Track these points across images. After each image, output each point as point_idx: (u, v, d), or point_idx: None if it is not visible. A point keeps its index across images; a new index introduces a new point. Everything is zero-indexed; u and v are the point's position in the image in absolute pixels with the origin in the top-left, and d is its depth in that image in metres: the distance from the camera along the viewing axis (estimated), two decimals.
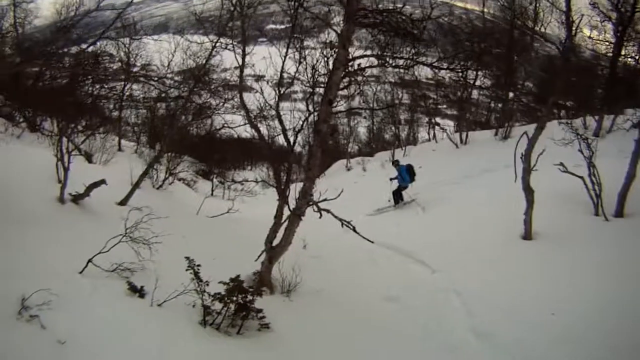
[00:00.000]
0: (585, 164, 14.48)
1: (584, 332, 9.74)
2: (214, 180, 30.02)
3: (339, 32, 10.88)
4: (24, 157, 14.46)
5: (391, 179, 21.33)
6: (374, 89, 34.23)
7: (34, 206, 11.20)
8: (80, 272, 9.22)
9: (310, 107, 13.02)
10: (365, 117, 42.90)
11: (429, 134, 38.62)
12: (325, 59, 11.97)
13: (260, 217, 15.17)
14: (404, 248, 15.66)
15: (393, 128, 38.44)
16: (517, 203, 14.16)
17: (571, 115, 27.03)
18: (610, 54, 25.41)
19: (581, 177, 14.33)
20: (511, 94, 31.30)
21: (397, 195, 21.00)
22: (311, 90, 13.10)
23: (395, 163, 22.20)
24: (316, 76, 12.76)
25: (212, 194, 25.42)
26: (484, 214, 16.31)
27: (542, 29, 24.11)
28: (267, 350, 9.22)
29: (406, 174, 20.73)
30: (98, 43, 23.94)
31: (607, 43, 25.81)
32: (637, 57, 24.38)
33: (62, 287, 8.23)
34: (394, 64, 11.17)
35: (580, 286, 11.17)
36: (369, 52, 11.28)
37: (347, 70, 10.82)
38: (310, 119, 13.56)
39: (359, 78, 12.11)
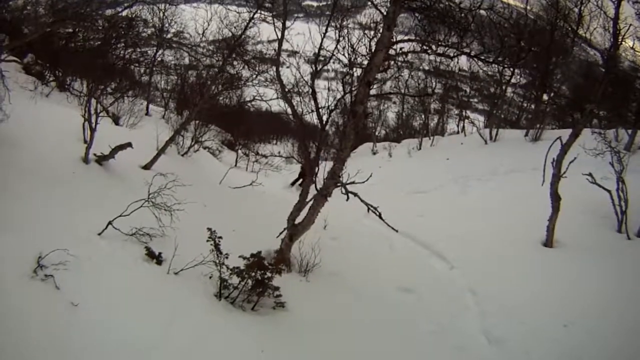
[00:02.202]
0: (615, 178, 14.18)
1: (593, 349, 9.65)
2: (239, 151, 29.94)
3: (384, 12, 10.64)
4: (52, 116, 14.43)
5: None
6: (409, 75, 33.86)
7: (58, 164, 11.16)
8: (99, 234, 9.18)
9: (346, 87, 12.83)
10: (395, 102, 42.59)
11: (458, 126, 38.24)
12: (368, 39, 11.71)
13: (282, 193, 15.04)
14: (425, 240, 15.48)
15: (422, 116, 38.04)
16: (542, 208, 13.98)
17: (604, 126, 26.53)
18: None
19: (609, 191, 14.11)
20: (545, 96, 30.80)
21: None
22: (348, 70, 12.90)
23: None
24: (354, 56, 12.52)
25: (236, 165, 25.33)
26: (507, 215, 16.17)
27: (586, 34, 23.68)
28: (279, 329, 9.16)
29: None
30: (133, 7, 23.92)
31: None
32: None
33: (79, 247, 8.22)
34: (437, 52, 10.91)
35: (596, 301, 11.04)
36: (412, 37, 11.03)
37: (389, 53, 10.59)
38: (344, 98, 13.40)
39: (398, 62, 11.86)
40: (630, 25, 15.31)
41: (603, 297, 11.13)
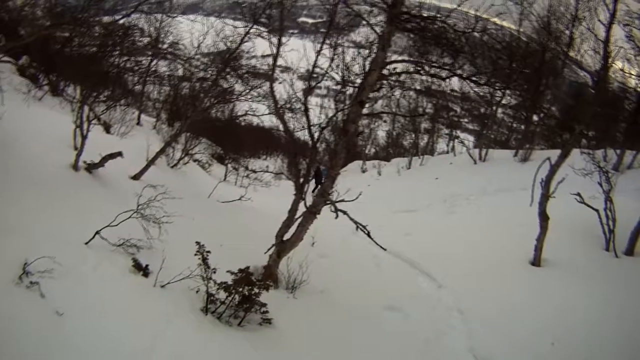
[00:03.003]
0: (603, 198, 14.28)
1: None
2: (229, 165, 29.92)
3: (379, 32, 10.71)
4: (44, 120, 14.40)
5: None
6: (400, 95, 34.07)
7: (47, 170, 11.12)
8: (86, 243, 9.12)
9: (338, 105, 12.88)
10: (385, 121, 42.74)
11: (447, 146, 38.47)
12: (363, 58, 11.78)
13: (272, 209, 15.03)
14: (413, 258, 15.51)
15: (413, 135, 38.21)
16: (530, 227, 14.09)
17: (592, 146, 26.74)
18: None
19: (597, 210, 14.21)
20: (535, 117, 31.01)
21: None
22: (341, 88, 12.95)
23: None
24: (347, 75, 12.58)
25: (225, 179, 25.31)
26: (495, 234, 16.23)
27: (577, 56, 23.94)
28: (265, 346, 9.07)
29: None
30: (130, 16, 23.93)
31: (638, 78, 25.48)
32: None
33: (66, 256, 8.14)
34: (430, 73, 10.98)
35: (583, 319, 11.12)
36: (406, 57, 11.10)
37: (382, 72, 10.64)
38: (335, 116, 13.44)
39: (391, 82, 11.90)
40: (621, 47, 15.54)
41: (591, 315, 11.21)
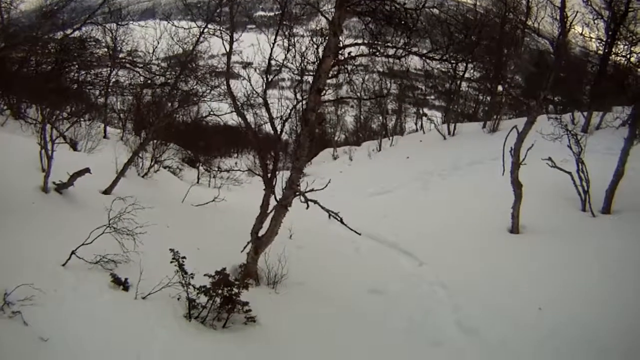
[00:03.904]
0: (574, 160, 14.49)
1: (571, 329, 9.75)
2: (200, 168, 29.79)
3: (329, 19, 10.70)
4: (7, 145, 14.18)
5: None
6: (363, 78, 34.08)
7: (16, 195, 10.96)
8: (63, 265, 9.02)
9: (299, 96, 12.85)
10: (352, 106, 42.76)
11: (416, 124, 38.60)
12: (315, 46, 11.76)
13: (246, 206, 15.00)
14: (391, 239, 15.58)
15: (380, 118, 38.28)
16: (505, 196, 14.23)
17: (559, 111, 27.02)
18: (601, 52, 25.38)
19: (569, 173, 14.41)
20: (500, 87, 31.24)
21: None
22: (299, 78, 12.93)
23: None
24: (305, 64, 12.56)
25: (197, 182, 25.20)
26: (471, 207, 16.35)
27: (535, 24, 24.12)
28: (251, 345, 9.07)
29: None
30: (84, 28, 23.74)
31: (598, 41, 25.79)
32: (627, 56, 24.28)
33: (45, 280, 8.06)
34: (385, 54, 10.99)
35: (567, 282, 11.25)
36: (359, 41, 11.08)
37: (337, 58, 10.64)
38: (298, 107, 13.42)
39: (349, 67, 11.91)
40: (577, 12, 15.70)
41: (574, 276, 11.36)
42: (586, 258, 11.94)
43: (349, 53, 10.94)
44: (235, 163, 34.93)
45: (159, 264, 9.38)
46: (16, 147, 14.10)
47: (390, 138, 33.26)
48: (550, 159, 14.51)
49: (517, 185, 13.85)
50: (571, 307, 10.36)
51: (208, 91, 17.37)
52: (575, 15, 15.28)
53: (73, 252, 9.11)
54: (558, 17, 15.96)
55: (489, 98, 33.09)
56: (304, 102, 11.98)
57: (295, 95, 12.92)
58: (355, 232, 11.65)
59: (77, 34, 24.12)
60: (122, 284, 9.14)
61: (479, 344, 10.08)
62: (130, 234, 10.01)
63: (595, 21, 24.55)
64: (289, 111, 13.02)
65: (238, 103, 13.62)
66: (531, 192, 13.99)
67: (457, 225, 15.39)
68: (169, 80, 19.44)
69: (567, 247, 12.71)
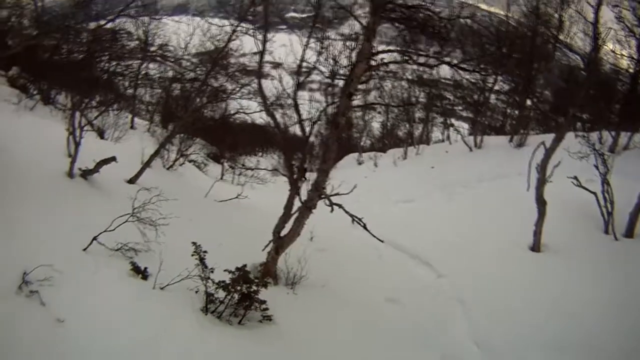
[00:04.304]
0: (599, 180, 14.26)
1: (586, 351, 9.72)
2: (225, 164, 29.89)
3: (364, 24, 10.70)
4: (36, 130, 14.35)
5: None
6: (392, 85, 33.94)
7: (42, 179, 11.08)
8: (84, 249, 9.10)
9: (328, 98, 12.86)
10: (379, 112, 42.54)
11: (442, 134, 38.31)
12: (348, 51, 11.78)
13: (269, 206, 15.04)
14: (412, 249, 15.58)
15: (407, 125, 38.11)
16: (528, 212, 14.06)
17: (587, 129, 26.69)
18: (632, 70, 25.05)
19: (594, 193, 14.16)
20: (528, 102, 30.94)
21: None
22: (330, 81, 12.93)
23: None
24: (337, 68, 12.57)
25: (221, 178, 25.29)
26: (494, 221, 16.20)
27: (567, 39, 23.89)
28: (266, 343, 9.08)
29: None
30: (117, 20, 23.92)
31: (630, 59, 25.44)
32: None
33: (64, 263, 8.15)
34: (417, 62, 10.96)
35: (585, 303, 11.14)
36: (392, 47, 11.07)
37: (369, 64, 10.63)
38: (326, 110, 13.43)
39: (380, 73, 11.90)
40: (610, 28, 15.54)
41: (592, 298, 11.23)
42: (605, 282, 11.78)
43: (381, 59, 10.93)
44: (258, 161, 34.93)
45: (179, 256, 9.42)
46: (44, 131, 14.27)
47: (416, 147, 33.09)
48: (575, 177, 14.27)
49: (541, 203, 13.70)
50: (587, 330, 10.26)
51: (238, 89, 17.42)
52: (608, 33, 15.11)
53: (95, 238, 9.19)
54: (590, 33, 15.74)
55: (516, 112, 32.80)
56: (334, 105, 11.99)
57: (326, 98, 12.94)
58: (378, 239, 11.64)
59: (109, 25, 24.31)
60: (141, 273, 9.21)
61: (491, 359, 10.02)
62: (152, 224, 10.07)
63: (627, 38, 24.25)
64: (318, 113, 13.04)
65: (268, 102, 13.65)
66: (554, 210, 13.82)
67: (478, 239, 15.26)
68: (200, 76, 19.51)
69: (586, 269, 12.53)
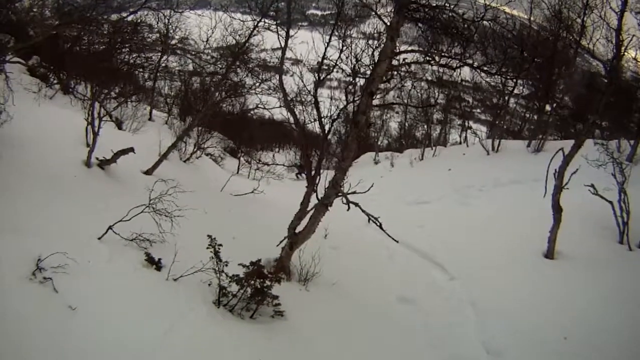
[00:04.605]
0: (617, 189, 14.12)
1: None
2: (241, 158, 29.95)
3: (387, 23, 10.66)
4: (55, 119, 14.45)
5: None
6: (413, 85, 33.81)
7: (60, 168, 11.16)
8: (99, 238, 9.17)
9: (349, 97, 12.82)
10: (397, 112, 42.49)
11: (460, 136, 38.16)
12: (371, 49, 11.73)
13: (284, 202, 15.07)
14: (426, 250, 15.50)
15: (425, 126, 37.98)
16: (543, 219, 13.93)
17: (606, 137, 26.45)
18: None
19: (610, 202, 14.03)
20: (548, 107, 30.75)
21: None
22: (352, 79, 12.89)
23: None
24: (358, 66, 12.53)
25: (238, 172, 25.34)
26: (508, 226, 16.10)
27: (589, 45, 23.64)
28: (278, 338, 9.10)
29: None
30: (138, 13, 23.97)
31: None
32: None
33: (79, 251, 8.20)
34: (440, 63, 10.91)
35: (596, 313, 11.04)
36: (415, 48, 11.03)
37: (391, 63, 10.59)
38: (346, 108, 13.41)
39: (402, 73, 11.86)
40: (633, 36, 15.35)
41: (604, 308, 11.13)
42: (618, 292, 11.67)
43: (403, 59, 10.89)
44: (273, 156, 35.00)
45: (194, 248, 9.49)
46: (63, 120, 14.37)
47: (434, 148, 32.93)
48: (592, 185, 14.15)
49: (557, 210, 13.57)
50: (597, 339, 10.19)
51: (257, 84, 17.46)
52: (632, 39, 14.91)
53: (110, 227, 9.26)
54: (613, 40, 15.55)
55: (535, 117, 32.62)
56: (353, 103, 11.97)
57: (347, 96, 12.89)
58: (393, 239, 11.61)
59: (131, 18, 24.37)
60: (155, 264, 9.25)
61: None
62: (168, 215, 10.11)
63: None
64: (338, 111, 13.02)
65: (288, 98, 13.66)
66: (570, 217, 13.69)
67: (492, 243, 15.17)
68: (220, 70, 19.54)
69: (599, 278, 12.42)
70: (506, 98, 31.72)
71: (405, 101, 31.86)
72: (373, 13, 11.82)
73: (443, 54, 10.74)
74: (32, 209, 8.99)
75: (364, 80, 11.56)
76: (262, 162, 27.75)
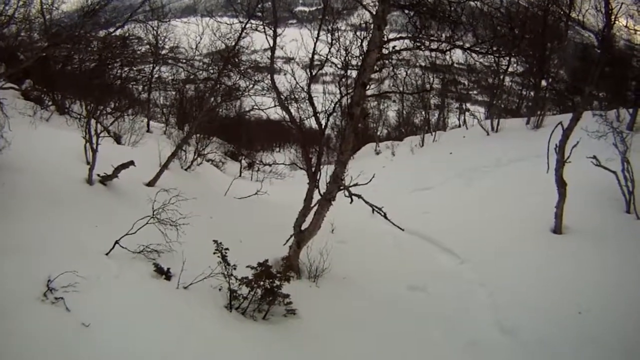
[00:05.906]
0: (619, 159, 14.08)
1: (609, 334, 9.57)
2: (243, 161, 30.00)
3: (373, 12, 10.64)
4: (53, 140, 14.44)
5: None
6: (406, 73, 33.76)
7: (62, 187, 11.13)
8: (107, 254, 9.16)
9: (342, 90, 12.82)
10: (394, 101, 42.45)
11: (459, 119, 38.07)
12: (359, 40, 11.73)
13: (288, 200, 15.08)
14: (433, 236, 15.48)
15: (423, 113, 37.94)
16: (548, 195, 13.88)
17: (604, 107, 26.35)
18: None
19: (614, 172, 13.96)
20: (543, 82, 30.66)
21: None
22: (343, 72, 12.89)
23: None
24: (349, 58, 12.53)
25: (240, 175, 25.39)
26: (514, 205, 16.08)
27: (579, 17, 23.55)
28: (291, 337, 9.14)
29: None
30: (126, 26, 24.04)
31: None
32: None
33: (88, 268, 8.19)
34: (429, 47, 10.89)
35: (608, 285, 10.99)
36: (403, 35, 10.99)
37: (381, 52, 10.58)
38: (341, 101, 13.41)
39: (393, 61, 11.85)
40: (622, 3, 15.26)
41: (617, 280, 11.04)
42: (629, 262, 11.60)
43: (393, 47, 10.88)
44: (274, 158, 35.05)
45: (201, 254, 9.51)
46: (61, 140, 14.35)
47: (433, 133, 32.89)
48: (595, 157, 14.09)
49: (561, 184, 13.50)
50: (612, 312, 10.12)
51: (251, 86, 17.46)
52: (620, 7, 14.80)
53: (117, 242, 9.26)
54: (602, 9, 15.45)
55: (532, 93, 32.54)
56: (347, 96, 11.97)
57: (340, 89, 12.88)
58: (399, 227, 11.62)
59: (119, 32, 24.42)
60: (164, 274, 9.26)
61: (516, 344, 9.98)
62: (173, 224, 10.12)
63: None
64: (333, 105, 13.03)
65: (282, 97, 13.66)
66: (575, 191, 13.61)
67: (499, 223, 15.12)
68: (212, 75, 19.57)
69: (610, 250, 12.31)
70: (501, 77, 31.68)
71: (401, 89, 31.84)
72: (359, 4, 11.81)
73: (432, 38, 10.74)
74: (39, 230, 8.98)
75: (356, 72, 11.55)
76: (263, 163, 27.77)
